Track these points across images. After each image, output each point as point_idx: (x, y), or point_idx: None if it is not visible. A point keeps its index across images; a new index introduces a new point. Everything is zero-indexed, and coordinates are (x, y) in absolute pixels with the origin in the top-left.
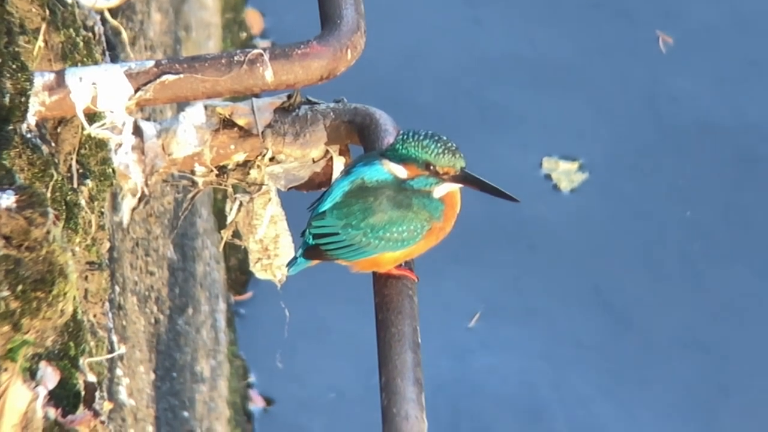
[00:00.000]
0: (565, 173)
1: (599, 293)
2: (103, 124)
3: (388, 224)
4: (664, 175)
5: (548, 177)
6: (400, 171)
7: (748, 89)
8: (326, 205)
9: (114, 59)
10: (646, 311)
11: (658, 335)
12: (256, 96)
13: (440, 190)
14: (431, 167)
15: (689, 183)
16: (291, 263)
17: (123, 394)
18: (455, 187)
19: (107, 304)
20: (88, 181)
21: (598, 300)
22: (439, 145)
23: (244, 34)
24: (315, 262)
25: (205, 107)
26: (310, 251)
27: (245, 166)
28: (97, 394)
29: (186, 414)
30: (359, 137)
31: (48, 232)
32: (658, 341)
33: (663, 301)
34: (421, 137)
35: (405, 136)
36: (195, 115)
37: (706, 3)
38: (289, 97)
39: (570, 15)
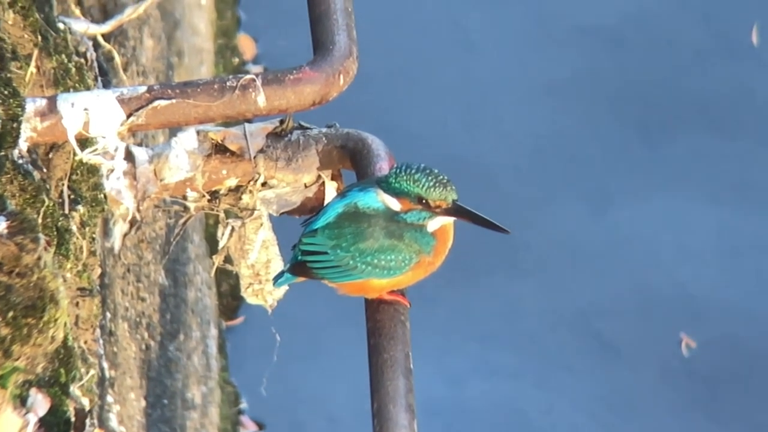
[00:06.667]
0: None
1: (589, 320)
2: (95, 150)
3: (377, 251)
4: None
5: None
6: (394, 203)
7: None
8: (319, 224)
9: (106, 85)
10: (634, 339)
11: (646, 363)
12: (249, 121)
13: (433, 224)
14: (423, 201)
15: None
16: (277, 277)
17: (113, 421)
18: (448, 220)
19: (98, 330)
20: (80, 207)
21: (589, 328)
22: (430, 178)
23: (236, 60)
24: (301, 279)
25: (198, 132)
26: (296, 267)
27: (237, 191)
28: (88, 421)
29: None
30: (351, 162)
31: (39, 258)
32: (646, 369)
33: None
34: (413, 171)
35: (398, 170)
36: (187, 140)
37: None
38: (282, 122)
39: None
